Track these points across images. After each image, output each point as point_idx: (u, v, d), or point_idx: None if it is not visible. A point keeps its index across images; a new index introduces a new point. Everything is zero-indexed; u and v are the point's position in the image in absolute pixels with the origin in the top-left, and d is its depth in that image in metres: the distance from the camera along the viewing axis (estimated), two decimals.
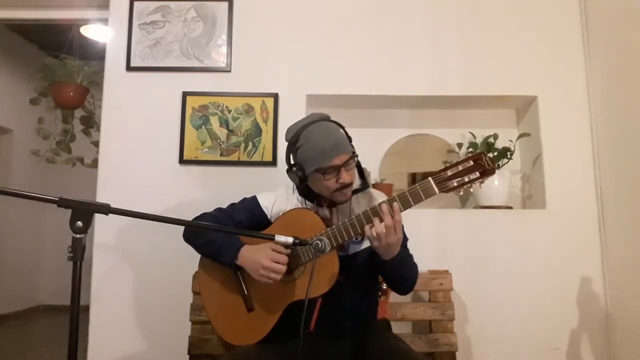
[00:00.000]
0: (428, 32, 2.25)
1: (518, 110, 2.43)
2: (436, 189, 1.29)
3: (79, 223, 0.94)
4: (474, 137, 2.26)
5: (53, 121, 3.10)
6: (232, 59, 2.24)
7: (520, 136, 2.24)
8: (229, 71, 2.23)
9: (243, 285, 1.45)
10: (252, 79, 2.22)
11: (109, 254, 2.11)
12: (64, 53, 3.02)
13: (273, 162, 2.15)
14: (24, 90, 4.41)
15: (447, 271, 1.98)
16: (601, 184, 2.12)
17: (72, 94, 2.85)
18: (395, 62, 2.23)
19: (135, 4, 2.27)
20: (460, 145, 2.32)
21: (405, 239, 1.49)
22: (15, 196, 0.95)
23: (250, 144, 2.18)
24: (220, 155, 2.17)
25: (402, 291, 1.51)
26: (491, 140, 2.20)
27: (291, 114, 2.00)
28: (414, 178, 2.41)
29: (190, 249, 1.52)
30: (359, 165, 1.50)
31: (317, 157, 1.37)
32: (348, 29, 2.25)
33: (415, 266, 1.49)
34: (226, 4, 2.27)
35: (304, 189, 1.50)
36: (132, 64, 2.23)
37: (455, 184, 1.28)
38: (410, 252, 1.52)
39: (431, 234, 2.10)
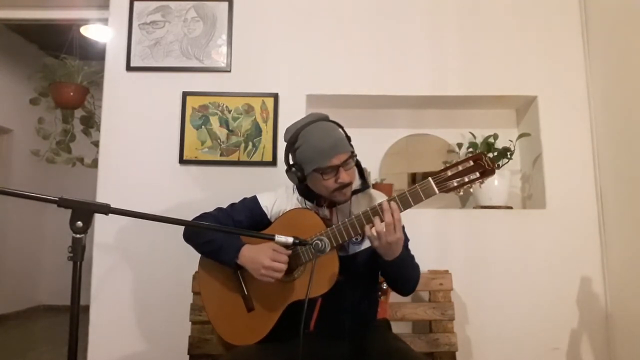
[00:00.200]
0: (428, 32, 2.25)
1: (518, 110, 2.43)
2: (436, 189, 1.29)
3: (79, 223, 0.94)
4: (474, 137, 2.26)
5: (53, 121, 3.10)
6: (232, 59, 2.24)
7: (520, 136, 2.24)
8: (229, 71, 2.23)
9: (243, 285, 1.45)
10: (252, 79, 2.22)
11: (109, 254, 2.11)
12: (64, 53, 3.02)
13: (273, 162, 2.15)
14: (24, 90, 4.41)
15: (447, 271, 1.98)
16: (601, 184, 2.12)
17: (72, 94, 2.85)
18: (395, 62, 2.23)
19: (135, 4, 2.27)
20: (460, 145, 2.32)
21: (406, 239, 1.49)
22: (15, 196, 0.95)
23: (250, 144, 2.18)
24: (220, 155, 2.17)
25: (405, 292, 1.50)
26: (491, 140, 2.20)
27: (291, 114, 2.00)
28: (414, 178, 2.41)
29: (190, 249, 1.52)
30: (359, 166, 1.50)
31: (316, 157, 1.37)
32: (348, 29, 2.25)
33: (417, 267, 1.49)
34: (226, 4, 2.27)
35: (304, 189, 1.50)
36: (132, 64, 2.23)
37: (455, 184, 1.28)
38: (412, 253, 1.52)
39: (431, 234, 2.10)
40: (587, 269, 2.08)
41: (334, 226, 1.37)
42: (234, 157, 2.17)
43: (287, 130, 1.48)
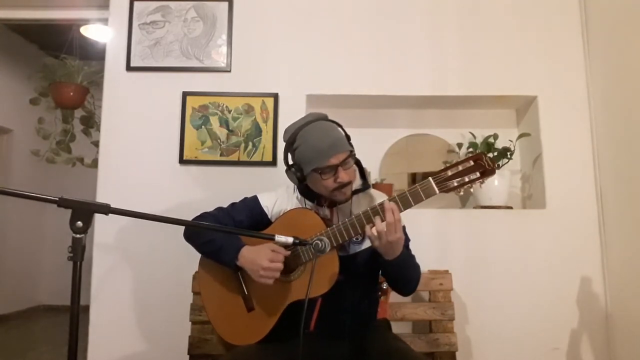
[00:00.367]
0: (428, 32, 2.25)
1: (518, 110, 2.43)
2: (436, 189, 1.29)
3: (79, 223, 0.94)
4: (474, 137, 2.26)
5: (53, 121, 3.10)
6: (232, 59, 2.24)
7: (520, 136, 2.24)
8: (229, 71, 2.23)
9: (243, 285, 1.45)
10: (252, 79, 2.22)
11: (109, 254, 2.11)
12: (64, 53, 3.02)
13: (273, 162, 2.15)
14: (24, 90, 4.41)
15: (447, 271, 1.98)
16: (601, 184, 2.12)
17: (72, 94, 2.85)
18: (395, 62, 2.23)
19: (135, 4, 2.27)
20: (460, 145, 2.32)
21: (407, 239, 1.49)
22: (15, 196, 0.95)
23: (250, 144, 2.18)
24: (220, 155, 2.17)
25: (405, 292, 1.50)
26: (491, 140, 2.20)
27: (291, 114, 2.00)
28: (414, 178, 2.41)
29: (190, 248, 1.52)
30: (360, 165, 1.50)
31: (314, 157, 1.37)
32: (348, 29, 2.25)
33: (417, 267, 1.49)
34: (226, 4, 2.27)
35: (304, 189, 1.50)
36: (132, 64, 2.23)
37: (456, 184, 1.28)
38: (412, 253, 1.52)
39: (431, 234, 2.10)
40: (587, 269, 2.08)
41: (334, 226, 1.37)
42: (234, 157, 2.17)
43: (286, 130, 1.48)
